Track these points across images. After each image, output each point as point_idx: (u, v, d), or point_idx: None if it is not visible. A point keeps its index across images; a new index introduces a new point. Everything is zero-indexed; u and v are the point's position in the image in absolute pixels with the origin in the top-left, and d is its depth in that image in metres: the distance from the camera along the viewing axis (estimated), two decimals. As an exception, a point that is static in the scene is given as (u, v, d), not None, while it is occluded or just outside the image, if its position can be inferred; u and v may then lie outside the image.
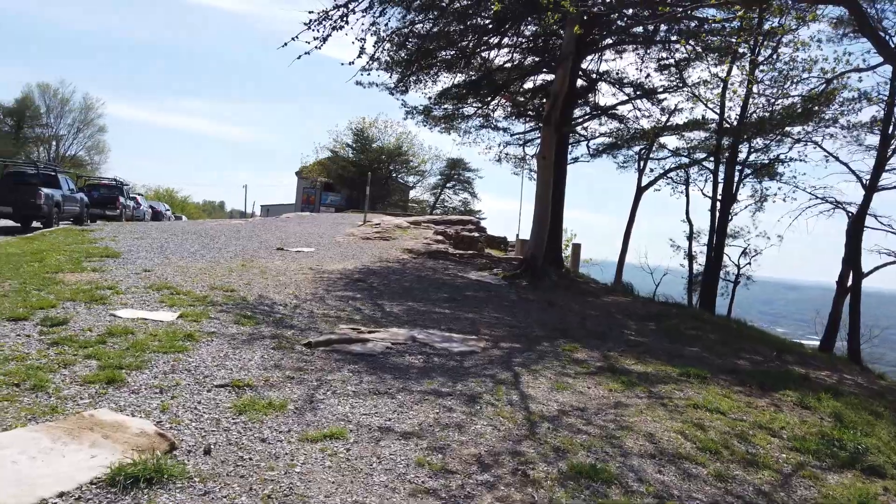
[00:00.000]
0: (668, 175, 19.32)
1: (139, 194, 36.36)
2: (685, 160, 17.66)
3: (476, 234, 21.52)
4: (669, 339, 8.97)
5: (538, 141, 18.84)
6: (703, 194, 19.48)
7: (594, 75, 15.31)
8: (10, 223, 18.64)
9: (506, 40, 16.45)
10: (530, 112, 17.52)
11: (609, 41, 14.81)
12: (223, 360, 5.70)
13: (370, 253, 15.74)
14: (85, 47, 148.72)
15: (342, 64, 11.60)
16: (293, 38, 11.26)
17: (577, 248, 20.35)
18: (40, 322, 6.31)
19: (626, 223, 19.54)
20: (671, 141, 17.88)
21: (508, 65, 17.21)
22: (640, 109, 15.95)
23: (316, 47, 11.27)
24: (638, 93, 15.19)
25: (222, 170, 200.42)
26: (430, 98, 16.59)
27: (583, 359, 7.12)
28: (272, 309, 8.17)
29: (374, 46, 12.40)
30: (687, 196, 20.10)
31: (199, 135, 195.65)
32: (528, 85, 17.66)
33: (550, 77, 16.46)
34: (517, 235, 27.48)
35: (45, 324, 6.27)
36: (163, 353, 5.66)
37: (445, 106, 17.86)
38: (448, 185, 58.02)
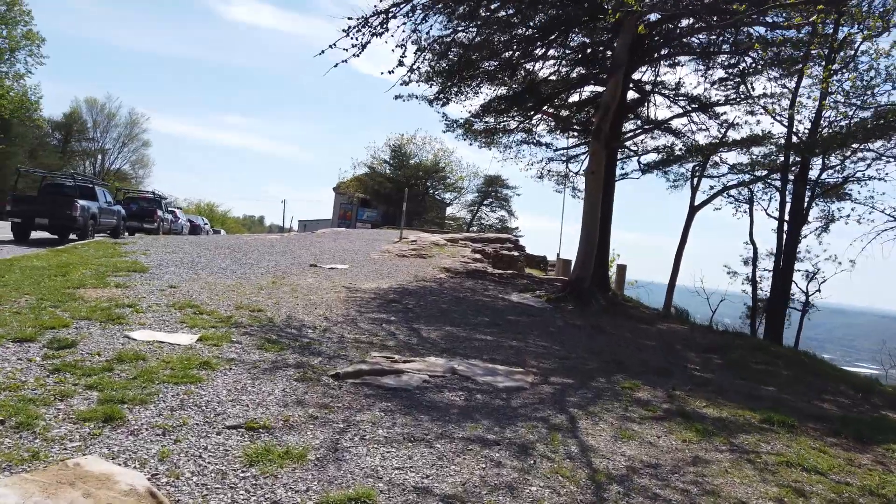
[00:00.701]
0: (729, 193, 18.13)
1: (178, 208, 36.60)
2: (748, 177, 16.49)
3: (515, 253, 20.71)
4: (738, 376, 8.02)
5: (583, 157, 18.05)
6: (768, 214, 18.22)
7: (647, 87, 14.45)
8: (47, 235, 18.62)
9: (552, 51, 15.76)
10: (576, 127, 16.74)
11: (664, 51, 13.96)
12: (240, 393, 5.04)
13: (406, 271, 15.08)
14: (132, 65, 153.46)
15: (381, 73, 11.03)
16: (331, 46, 10.75)
17: (622, 269, 19.37)
18: (47, 344, 5.76)
19: (677, 243, 18.47)
20: (730, 157, 16.75)
21: (554, 77, 16.51)
22: (695, 123, 15.04)
23: (354, 55, 10.75)
24: (693, 105, 14.27)
25: (262, 185, 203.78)
26: (471, 111, 15.95)
27: (646, 399, 6.26)
28: (300, 332, 7.52)
29: (414, 55, 11.83)
30: (751, 216, 18.76)
31: (241, 150, 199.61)
32: (574, 98, 16.91)
33: (599, 89, 15.69)
34: (558, 255, 26.58)
35: (51, 346, 5.72)
36: (173, 383, 5.03)
37: (487, 119, 17.20)
38: (485, 202, 57.42)
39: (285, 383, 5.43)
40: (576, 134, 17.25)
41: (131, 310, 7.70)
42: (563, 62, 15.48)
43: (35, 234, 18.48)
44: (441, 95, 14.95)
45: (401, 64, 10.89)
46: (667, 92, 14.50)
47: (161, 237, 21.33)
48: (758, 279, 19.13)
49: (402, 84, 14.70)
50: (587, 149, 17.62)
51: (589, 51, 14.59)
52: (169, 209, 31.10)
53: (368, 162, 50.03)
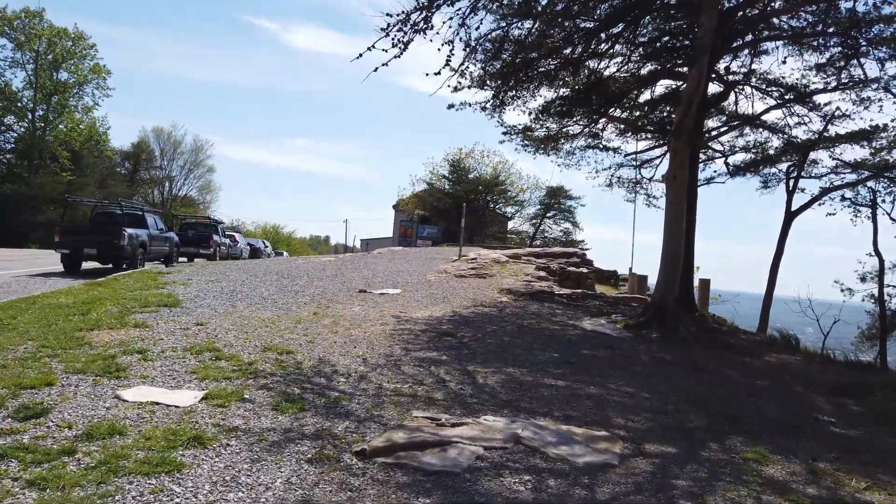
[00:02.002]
0: (842, 195, 15.58)
1: (237, 231, 36.52)
2: (860, 175, 14.10)
3: (584, 270, 18.98)
4: (892, 431, 6.21)
5: (658, 161, 16.28)
6: (893, 219, 15.35)
7: (731, 77, 12.60)
8: (99, 264, 18.25)
9: (618, 47, 14.16)
10: (649, 128, 15.02)
11: (749, 37, 12.14)
12: (228, 486, 3.75)
13: (463, 295, 13.69)
14: (201, 96, 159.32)
15: (426, 74, 9.73)
16: (369, 49, 9.56)
17: (705, 283, 17.31)
18: (13, 413, 4.68)
19: (758, 250, 16.28)
20: (830, 153, 14.52)
21: (622, 75, 14.89)
22: (794, 116, 12.94)
23: (396, 56, 9.51)
24: (789, 95, 12.31)
25: (329, 205, 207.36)
26: (530, 113, 14.46)
27: (781, 478, 4.61)
28: (329, 382, 6.23)
29: (464, 51, 10.49)
30: (874, 222, 15.65)
31: (309, 172, 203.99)
32: (645, 97, 15.21)
33: (675, 83, 13.97)
34: (630, 269, 24.60)
35: (17, 415, 4.63)
36: (143, 474, 3.79)
37: (548, 125, 15.70)
38: (548, 214, 55.46)
39: (293, 467, 4.11)
40: (648, 136, 15.51)
41: (139, 357, 6.63)
42: (633, 56, 13.84)
43: (88, 265, 18.17)
44: (496, 100, 13.56)
45: (447, 64, 9.59)
46: (756, 82, 12.60)
47: (212, 264, 20.74)
48: (885, 297, 16.27)
49: (452, 90, 13.44)
50: (662, 151, 15.86)
51: (662, 41, 12.90)
52: (227, 234, 30.86)
53: (427, 178, 49.10)
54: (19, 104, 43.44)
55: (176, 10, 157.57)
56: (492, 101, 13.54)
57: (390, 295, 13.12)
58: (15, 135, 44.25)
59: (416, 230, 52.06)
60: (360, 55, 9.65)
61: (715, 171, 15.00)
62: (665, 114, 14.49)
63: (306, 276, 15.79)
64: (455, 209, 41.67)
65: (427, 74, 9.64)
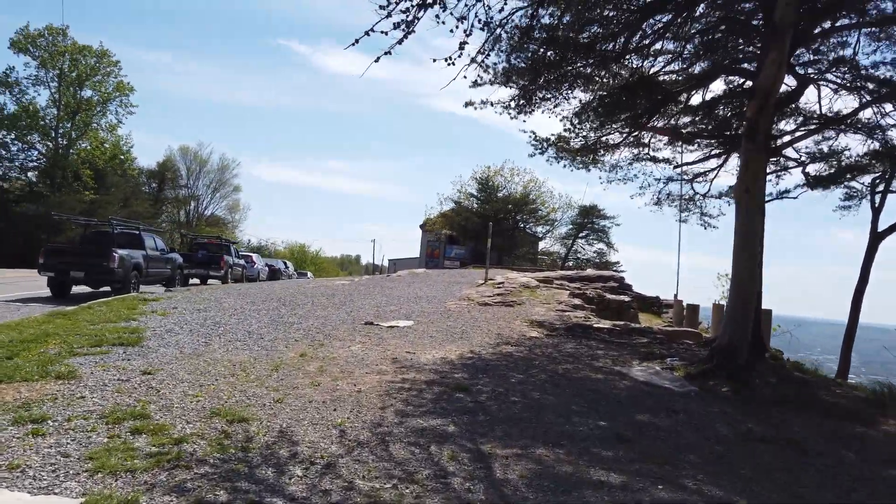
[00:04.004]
0: None
1: (254, 252, 35.14)
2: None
3: (625, 298, 16.84)
4: None
5: (713, 174, 14.13)
6: None
7: (808, 71, 10.42)
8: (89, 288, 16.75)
9: (665, 43, 12.19)
10: (703, 134, 12.92)
11: (828, 24, 10.05)
12: None
13: (486, 329, 11.70)
14: (230, 116, 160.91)
15: (434, 60, 7.89)
16: (367, 33, 7.76)
17: (766, 314, 15.02)
18: None
19: (856, 281, 13.83)
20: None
21: (668, 76, 12.89)
22: (887, 117, 10.65)
23: (398, 41, 7.69)
24: (883, 91, 10.08)
25: (360, 225, 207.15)
26: (563, 119, 12.45)
27: None
28: (279, 478, 4.31)
29: (482, 30, 8.59)
30: None
31: (340, 192, 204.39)
32: (697, 100, 13.15)
33: (736, 80, 11.90)
34: (675, 296, 22.30)
35: None
36: None
37: (584, 133, 13.71)
38: (581, 234, 53.15)
39: None
40: (704, 144, 13.38)
41: (30, 430, 4.84)
42: (684, 52, 11.82)
43: (80, 288, 16.69)
44: (522, 99, 11.62)
45: (462, 48, 7.70)
46: (839, 74, 10.38)
47: (217, 287, 19.11)
48: None
49: (472, 85, 11.60)
50: (718, 163, 13.74)
51: (721, 29, 10.86)
52: (241, 254, 29.40)
53: (455, 197, 47.33)
54: (43, 122, 43.02)
55: (209, 34, 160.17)
56: (516, 101, 11.60)
57: (400, 329, 11.21)
58: (37, 153, 43.84)
59: (444, 251, 50.23)
60: (357, 41, 7.86)
61: (792, 185, 12.60)
62: (726, 116, 12.37)
63: (310, 304, 14.00)
64: (483, 229, 39.74)
65: (434, 60, 7.75)
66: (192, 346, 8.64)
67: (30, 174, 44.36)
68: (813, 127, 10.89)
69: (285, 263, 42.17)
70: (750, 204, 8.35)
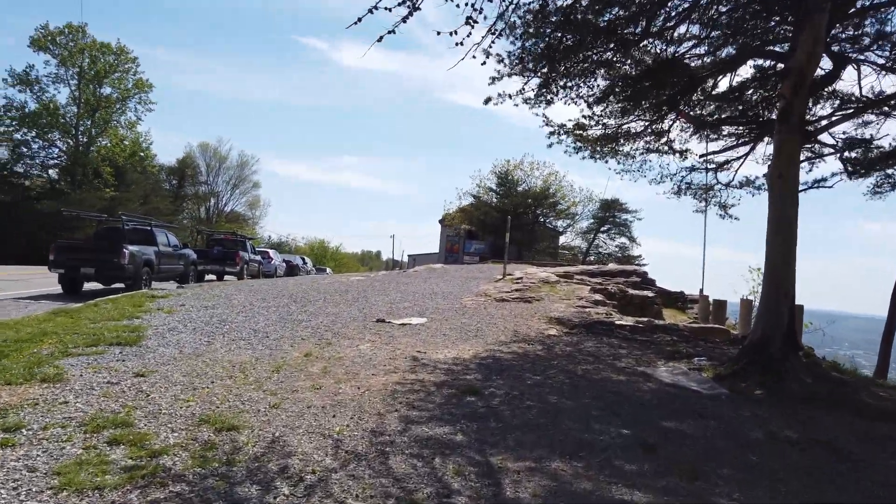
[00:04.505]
0: None
1: (271, 248, 34.93)
2: None
3: (649, 293, 16.23)
4: None
5: (739, 163, 13.44)
6: None
7: (849, 51, 9.67)
8: (101, 285, 16.54)
9: (691, 27, 11.56)
10: (731, 120, 12.23)
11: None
12: None
13: (502, 326, 11.20)
14: (250, 113, 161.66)
15: (438, 33, 7.33)
16: (371, 10, 7.28)
17: (798, 310, 14.31)
18: None
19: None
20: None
21: (693, 61, 12.24)
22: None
23: (403, 18, 7.20)
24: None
25: (380, 221, 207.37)
26: (587, 103, 11.83)
27: None
28: (263, 497, 3.87)
29: (499, 4, 8.04)
30: None
31: (359, 188, 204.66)
32: (722, 87, 12.46)
33: (766, 63, 11.23)
34: (700, 290, 21.56)
35: None
36: None
37: (604, 120, 13.10)
38: (602, 228, 52.32)
39: None
40: (730, 131, 12.69)
41: (1, 438, 4.46)
42: (712, 33, 11.17)
43: (92, 285, 16.50)
44: (542, 89, 11.06)
45: (469, 24, 7.16)
46: (882, 54, 9.62)
47: (231, 283, 18.82)
48: None
49: (490, 82, 11.09)
50: (744, 152, 13.05)
51: (752, 9, 10.20)
52: (258, 250, 29.16)
53: (474, 191, 46.77)
54: (63, 120, 43.25)
55: (228, 32, 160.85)
56: (536, 91, 11.04)
57: (413, 326, 10.77)
58: (57, 150, 44.12)
59: (463, 245, 49.80)
60: (360, 19, 7.40)
61: (829, 172, 11.78)
62: (755, 101, 11.68)
63: (322, 300, 13.63)
64: (502, 224, 39.17)
65: (438, 33, 7.20)
66: (193, 345, 8.28)
67: (51, 172, 44.68)
68: (851, 110, 10.17)
69: (303, 259, 41.94)
70: (784, 189, 7.74)
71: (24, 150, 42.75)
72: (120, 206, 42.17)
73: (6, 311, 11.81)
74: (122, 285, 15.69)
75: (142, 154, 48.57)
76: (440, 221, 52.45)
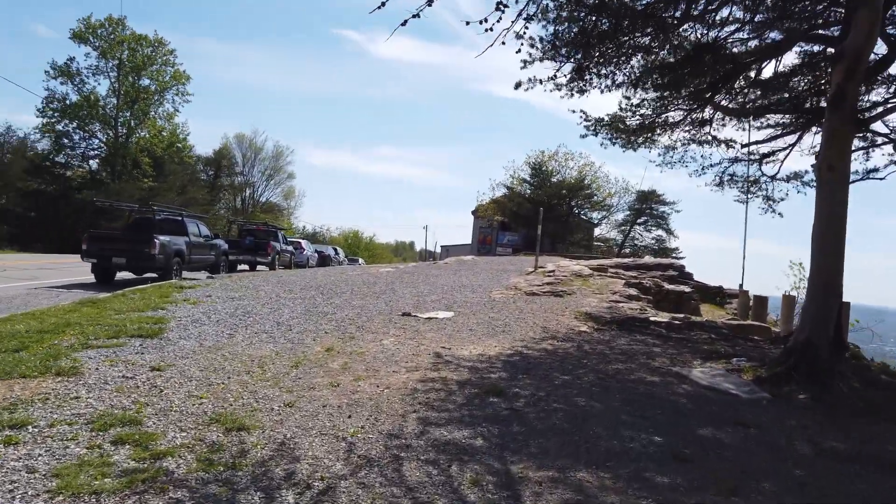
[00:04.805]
0: None
1: (304, 239, 35.05)
2: None
3: (685, 289, 15.67)
4: None
5: (784, 154, 12.78)
6: None
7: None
8: (142, 274, 16.68)
9: (734, 11, 10.99)
10: (777, 108, 11.61)
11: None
12: None
13: (531, 321, 10.87)
14: (287, 105, 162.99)
15: (467, 23, 7.02)
16: None
17: (845, 307, 13.60)
18: None
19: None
20: None
21: (735, 47, 11.66)
22: None
23: (428, 2, 6.89)
24: None
25: (414, 211, 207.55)
26: (622, 89, 11.34)
27: None
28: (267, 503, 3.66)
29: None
30: None
31: (394, 179, 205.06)
32: (767, 73, 11.85)
33: (814, 48, 10.61)
34: (740, 285, 20.84)
35: None
36: None
37: (642, 111, 12.61)
38: (638, 220, 51.34)
39: None
40: (772, 120, 12.08)
41: (6, 436, 4.35)
42: (756, 17, 10.59)
43: (124, 274, 16.66)
44: (576, 73, 10.63)
45: (499, 9, 6.83)
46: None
47: (260, 274, 18.83)
48: None
49: (522, 66, 10.73)
50: (790, 142, 12.41)
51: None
52: (290, 241, 29.25)
53: (507, 182, 46.21)
54: (103, 111, 44.11)
55: (266, 24, 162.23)
56: (569, 78, 10.62)
57: (439, 321, 10.51)
58: (97, 141, 45.04)
59: (496, 237, 49.36)
60: (384, 3, 7.16)
61: (883, 162, 11.05)
62: (802, 89, 11.07)
63: (349, 292, 13.47)
64: (536, 215, 38.66)
65: (468, 23, 6.88)
66: (214, 337, 8.16)
67: (91, 162, 45.68)
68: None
69: (335, 250, 42.05)
70: (834, 182, 7.22)
71: (66, 141, 43.76)
72: (158, 196, 42.90)
73: (37, 300, 11.93)
74: (154, 275, 15.80)
75: (179, 145, 49.30)
76: (473, 213, 52.05)
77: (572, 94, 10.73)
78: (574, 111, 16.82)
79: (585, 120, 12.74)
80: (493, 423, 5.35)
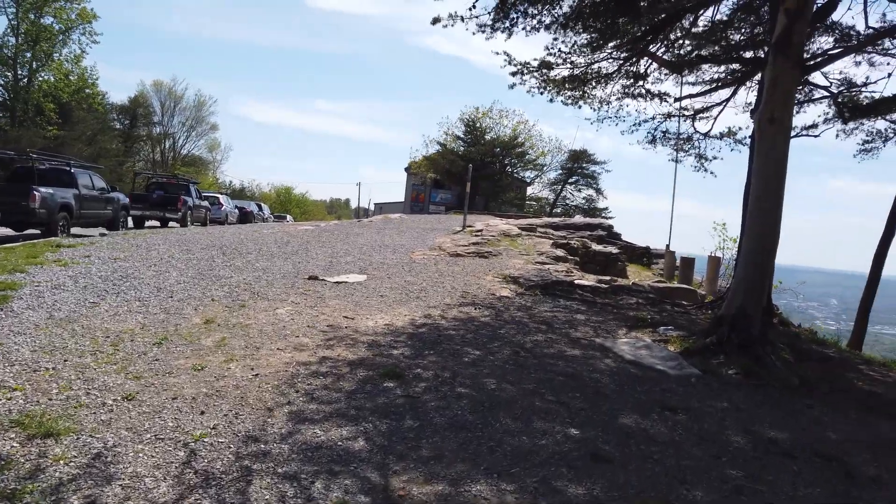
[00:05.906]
0: None
1: (223, 193, 32.98)
2: None
3: (613, 250, 15.17)
4: None
5: (718, 110, 12.21)
6: None
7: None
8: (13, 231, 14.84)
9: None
10: (709, 58, 10.93)
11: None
12: None
13: (450, 285, 10.00)
14: (217, 53, 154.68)
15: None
16: None
17: (770, 271, 13.42)
18: None
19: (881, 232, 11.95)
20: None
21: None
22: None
23: None
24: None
25: (351, 168, 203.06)
26: (550, 30, 10.37)
27: None
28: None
29: None
30: None
31: (330, 134, 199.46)
32: (702, 23, 11.13)
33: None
34: (667, 246, 20.66)
35: None
36: None
37: (572, 59, 11.71)
38: (570, 180, 51.25)
39: None
40: (709, 71, 11.43)
41: None
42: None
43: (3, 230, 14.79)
44: (500, 15, 9.58)
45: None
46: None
47: (161, 231, 17.21)
48: None
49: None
50: (726, 95, 11.83)
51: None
52: (203, 195, 27.27)
53: (441, 139, 44.96)
54: (1, 52, 39.89)
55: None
56: (493, 14, 9.56)
57: (348, 285, 9.51)
58: (-6, 85, 40.87)
59: (429, 195, 48.36)
60: None
61: (819, 118, 10.57)
62: (741, 38, 10.40)
63: (256, 252, 12.25)
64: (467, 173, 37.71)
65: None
66: (71, 307, 6.88)
67: (-15, 107, 41.48)
68: (854, 43, 8.94)
69: (259, 206, 40.00)
70: (776, 135, 6.54)
71: (-44, 82, 39.46)
72: (64, 145, 39.54)
73: None
74: (37, 231, 14.06)
75: (88, 90, 45.34)
76: (406, 169, 50.66)
77: (494, 31, 9.66)
78: (497, 52, 15.74)
79: (510, 63, 11.72)
80: (383, 416, 4.43)
